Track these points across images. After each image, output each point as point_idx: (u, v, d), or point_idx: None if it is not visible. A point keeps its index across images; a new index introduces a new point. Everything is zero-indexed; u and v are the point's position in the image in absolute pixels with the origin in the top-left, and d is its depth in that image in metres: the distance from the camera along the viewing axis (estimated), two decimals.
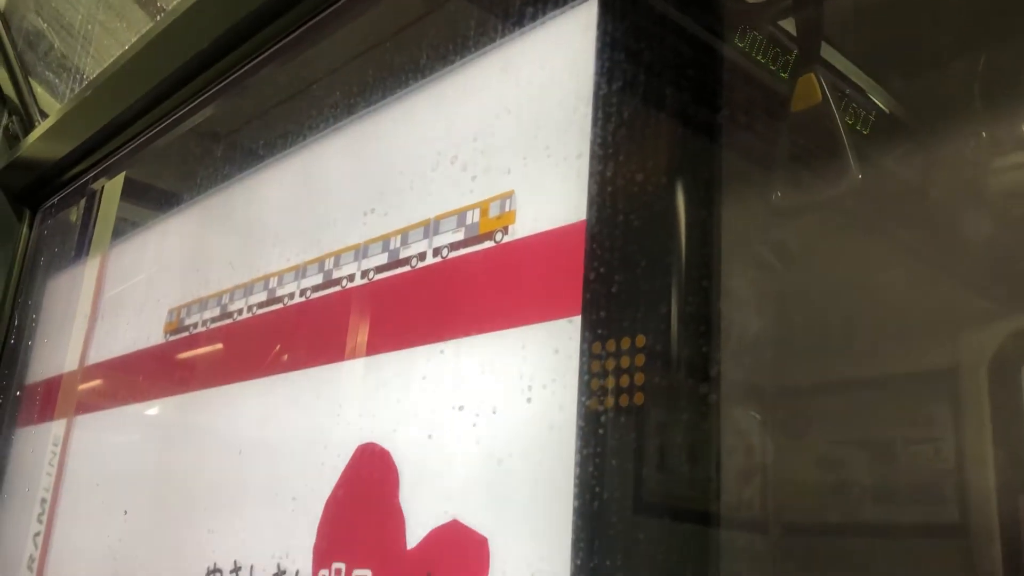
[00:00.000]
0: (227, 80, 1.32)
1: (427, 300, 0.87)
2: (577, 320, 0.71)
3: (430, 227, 0.89)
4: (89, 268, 1.65)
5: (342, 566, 0.84)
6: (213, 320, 1.19)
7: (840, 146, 0.67)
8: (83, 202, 1.78)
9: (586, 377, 0.69)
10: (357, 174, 1.03)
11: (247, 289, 1.14)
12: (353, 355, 0.94)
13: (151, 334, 1.32)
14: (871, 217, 0.66)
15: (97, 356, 1.48)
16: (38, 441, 1.57)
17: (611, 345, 0.69)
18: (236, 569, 0.97)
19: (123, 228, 1.61)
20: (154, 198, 1.54)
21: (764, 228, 0.68)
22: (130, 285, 1.47)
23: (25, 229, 1.93)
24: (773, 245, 0.67)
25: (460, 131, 0.89)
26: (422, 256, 0.89)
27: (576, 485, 0.66)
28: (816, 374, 0.64)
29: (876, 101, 0.68)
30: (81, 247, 1.73)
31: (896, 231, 0.64)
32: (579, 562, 0.64)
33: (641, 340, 0.67)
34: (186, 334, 1.24)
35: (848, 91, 0.68)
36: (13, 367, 1.80)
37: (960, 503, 0.56)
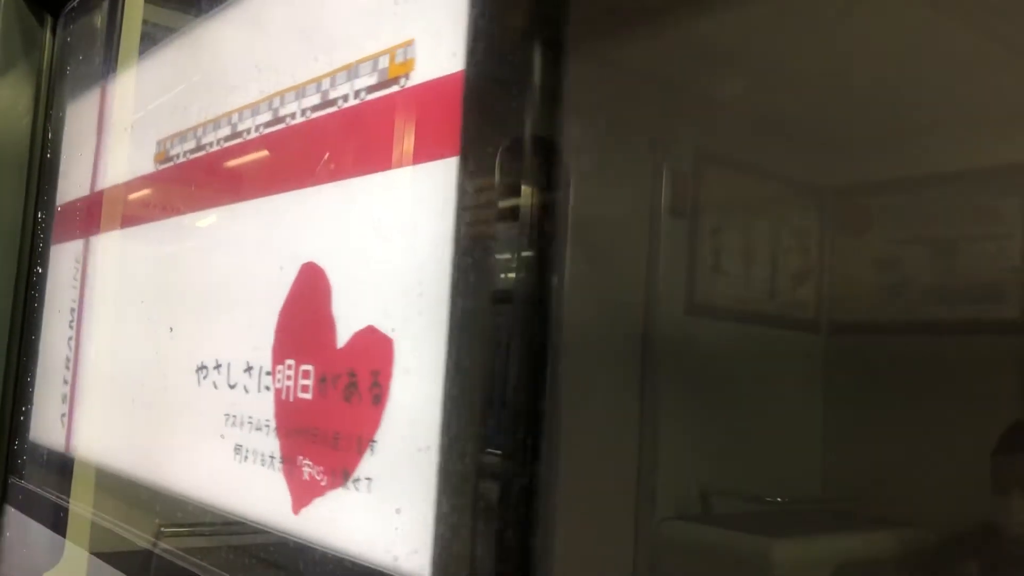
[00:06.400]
0: None
1: (356, 137, 0.99)
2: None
3: (353, 71, 1.00)
4: (105, 87, 1.66)
5: (292, 362, 1.02)
6: (191, 152, 1.32)
7: None
8: (106, 4, 1.69)
9: (464, 209, 0.82)
10: (301, 21, 1.12)
11: (216, 123, 1.27)
12: (300, 185, 1.07)
13: (145, 163, 1.47)
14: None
15: (102, 182, 1.63)
16: (65, 258, 1.76)
17: (487, 182, 0.82)
18: (218, 366, 1.16)
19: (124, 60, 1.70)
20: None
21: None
22: (128, 114, 1.60)
23: (48, 35, 1.85)
24: None
25: None
26: (346, 98, 1.00)
27: (450, 293, 0.81)
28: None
29: None
30: (108, 59, 1.67)
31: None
32: (452, 353, 0.80)
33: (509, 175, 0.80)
34: (171, 164, 1.38)
35: None
36: (53, 181, 1.80)
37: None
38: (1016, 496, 1.69)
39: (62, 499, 1.55)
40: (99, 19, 1.73)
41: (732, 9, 0.76)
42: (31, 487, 1.71)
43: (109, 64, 1.67)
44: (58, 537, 1.52)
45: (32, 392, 1.79)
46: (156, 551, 1.19)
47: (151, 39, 1.51)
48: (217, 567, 1.07)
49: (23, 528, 1.71)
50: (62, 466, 1.59)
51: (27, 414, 1.78)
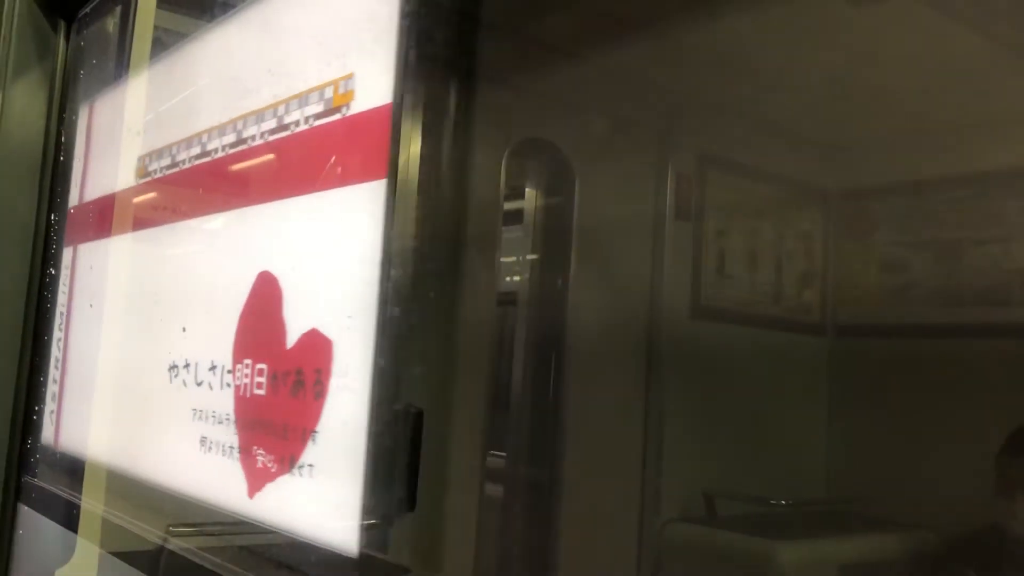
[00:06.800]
0: None
1: (304, 159, 1.10)
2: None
3: (304, 99, 1.11)
4: (96, 99, 1.77)
5: (250, 361, 1.13)
6: (167, 168, 1.44)
7: None
8: (119, 9, 1.72)
9: (390, 225, 0.93)
10: (262, 51, 1.23)
11: (188, 143, 1.38)
12: (259, 200, 1.18)
13: (128, 176, 1.58)
14: None
15: (89, 193, 1.75)
16: (60, 263, 1.85)
17: (410, 201, 0.92)
18: (187, 364, 1.27)
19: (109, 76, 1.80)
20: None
21: None
22: (110, 131, 1.71)
23: (62, 42, 1.87)
24: None
25: None
26: (297, 123, 1.11)
27: (379, 299, 0.92)
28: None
29: None
30: (120, 64, 1.70)
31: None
32: (379, 353, 0.91)
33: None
34: (149, 179, 1.49)
35: None
36: (66, 184, 1.82)
37: None
38: (1022, 499, 1.70)
39: (74, 497, 1.57)
40: (111, 25, 1.77)
41: (630, 42, 0.87)
42: (44, 485, 1.73)
43: (104, 75, 1.77)
44: (70, 534, 1.55)
45: (45, 392, 1.80)
46: (167, 547, 1.24)
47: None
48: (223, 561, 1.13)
49: (37, 525, 1.73)
50: (73, 464, 1.62)
51: (40, 413, 1.80)
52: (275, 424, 1.06)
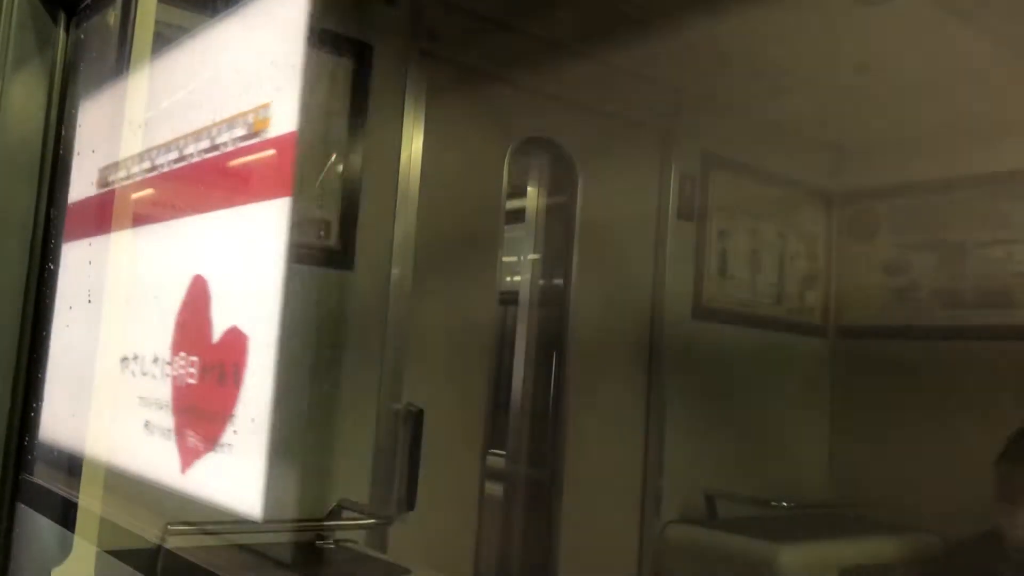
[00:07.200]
0: None
1: (229, 176, 1.25)
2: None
3: (232, 123, 1.26)
4: (74, 110, 1.87)
5: (184, 353, 1.28)
6: (122, 179, 1.59)
7: None
8: (120, 2, 1.73)
9: (291, 237, 1.08)
10: (200, 80, 1.38)
11: (141, 156, 1.53)
12: (194, 212, 1.33)
13: (88, 185, 1.73)
14: None
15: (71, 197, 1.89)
16: (59, 258, 1.83)
17: (308, 216, 1.07)
18: (134, 357, 1.42)
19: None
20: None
21: None
22: (88, 139, 1.86)
23: (62, 34, 1.87)
24: None
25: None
26: (226, 144, 1.26)
27: (281, 300, 1.07)
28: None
29: None
30: (121, 59, 1.69)
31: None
32: (282, 347, 1.06)
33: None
34: (107, 189, 1.64)
35: None
36: (65, 178, 1.81)
37: None
38: (1022, 505, 1.70)
39: (71, 495, 1.60)
40: (112, 18, 1.76)
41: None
42: (41, 483, 1.75)
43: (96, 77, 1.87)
44: (68, 533, 1.59)
45: (43, 389, 1.78)
46: (163, 546, 1.32)
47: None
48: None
49: (35, 524, 1.75)
50: (70, 463, 1.66)
51: (38, 411, 1.79)
52: (203, 409, 1.21)
